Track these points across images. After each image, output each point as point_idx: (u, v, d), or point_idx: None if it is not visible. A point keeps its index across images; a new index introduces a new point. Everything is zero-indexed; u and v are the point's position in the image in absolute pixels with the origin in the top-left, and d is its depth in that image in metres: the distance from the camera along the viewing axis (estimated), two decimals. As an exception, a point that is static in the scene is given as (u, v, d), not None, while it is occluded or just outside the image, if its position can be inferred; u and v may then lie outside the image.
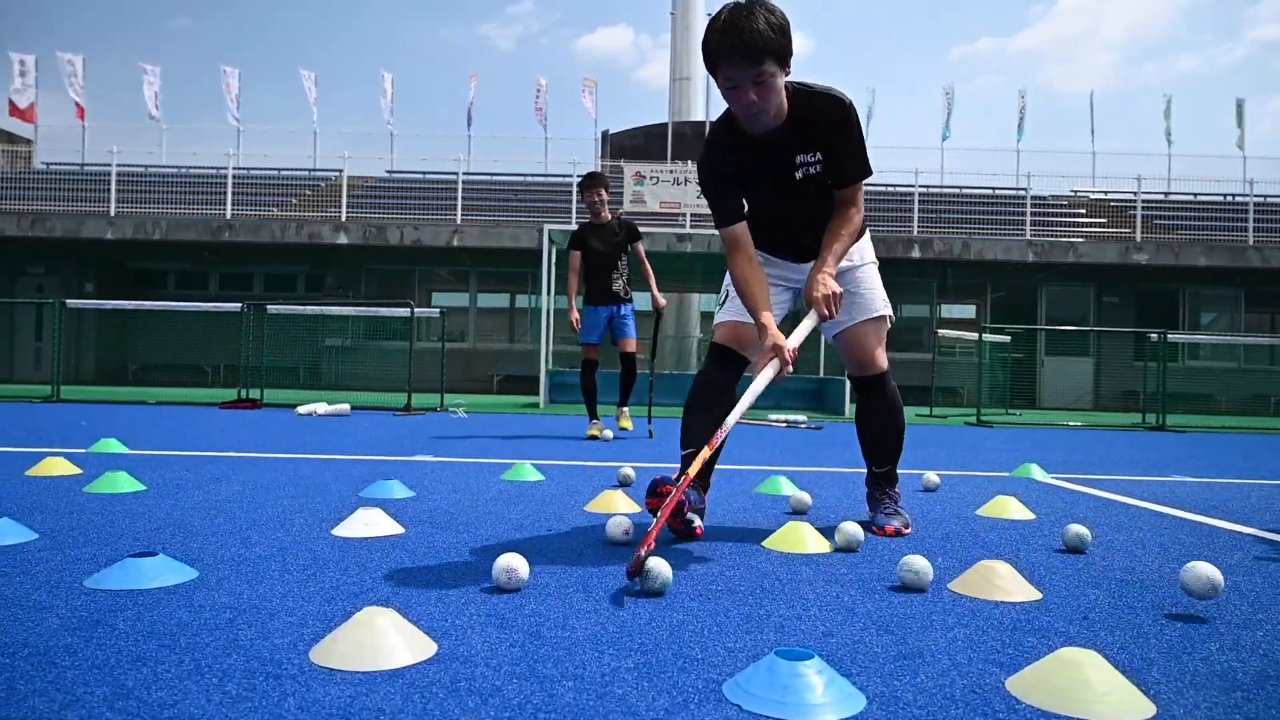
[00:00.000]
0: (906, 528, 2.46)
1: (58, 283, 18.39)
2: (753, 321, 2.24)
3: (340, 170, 20.71)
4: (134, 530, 2.25)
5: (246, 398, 9.24)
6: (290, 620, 1.46)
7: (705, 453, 2.01)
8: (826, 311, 2.18)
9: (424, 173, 21.35)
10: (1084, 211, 19.84)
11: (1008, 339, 12.88)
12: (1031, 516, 2.87)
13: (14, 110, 22.04)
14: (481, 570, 1.87)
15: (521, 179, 20.81)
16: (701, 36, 2.07)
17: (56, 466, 3.36)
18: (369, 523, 2.29)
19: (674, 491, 1.90)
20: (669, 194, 15.86)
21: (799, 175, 2.24)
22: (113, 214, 16.58)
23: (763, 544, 2.23)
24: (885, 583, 1.87)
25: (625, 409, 6.23)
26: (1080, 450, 6.34)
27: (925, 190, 19.30)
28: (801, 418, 8.68)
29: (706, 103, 23.86)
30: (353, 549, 2.07)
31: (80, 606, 1.50)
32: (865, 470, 2.63)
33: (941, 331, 12.69)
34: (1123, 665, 1.32)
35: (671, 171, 16.06)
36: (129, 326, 17.72)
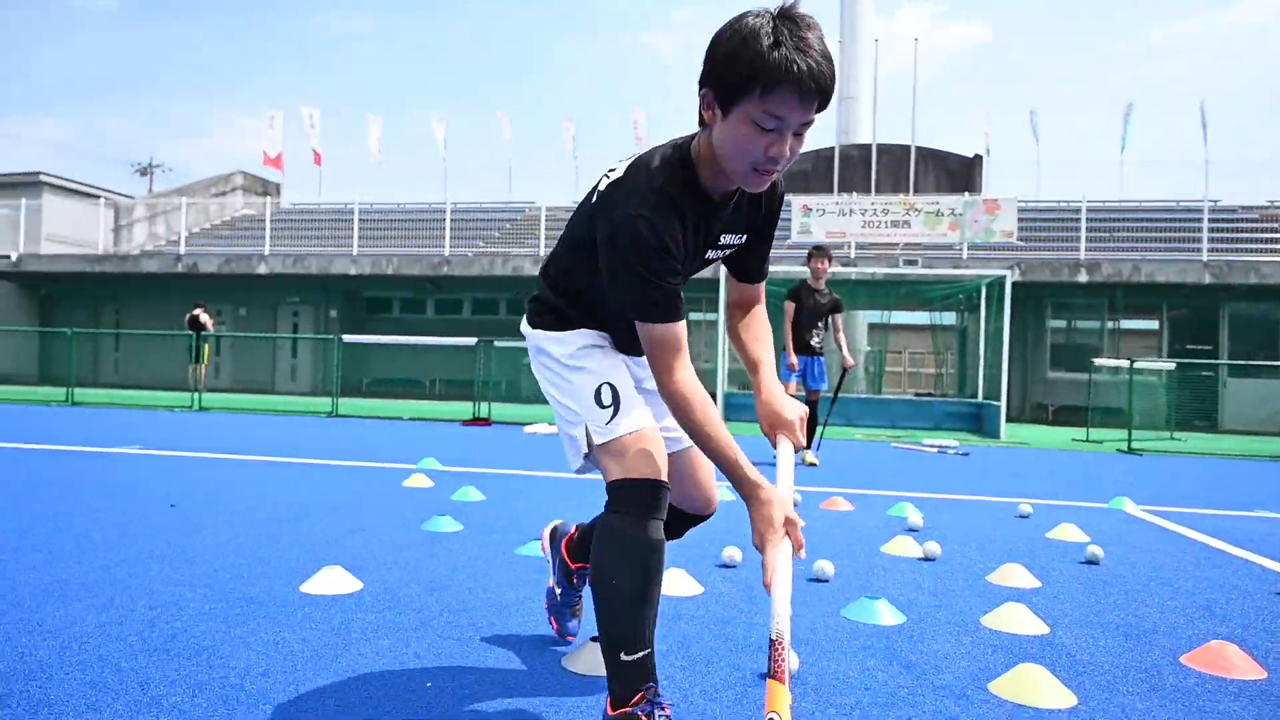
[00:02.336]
0: None
1: (309, 310, 21.83)
2: (651, 423, 1.66)
3: (532, 202, 23.18)
4: (519, 524, 3.90)
5: (480, 416, 11.35)
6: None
7: (784, 690, 1.37)
8: (800, 439, 1.74)
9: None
10: (1278, 226, 19.11)
11: (1171, 365, 13.13)
12: (1037, 584, 4.04)
13: (266, 159, 26.08)
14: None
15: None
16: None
17: (421, 480, 5.19)
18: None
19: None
20: (834, 224, 16.98)
21: (709, 256, 1.72)
22: (355, 253, 19.63)
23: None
24: None
25: (809, 450, 7.43)
26: (1205, 481, 7.11)
27: (1095, 206, 19.26)
28: (953, 443, 9.70)
29: (874, 124, 24.52)
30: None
31: (520, 567, 3.11)
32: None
33: (1098, 361, 13.12)
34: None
35: (837, 203, 17.17)
36: (366, 347, 20.80)
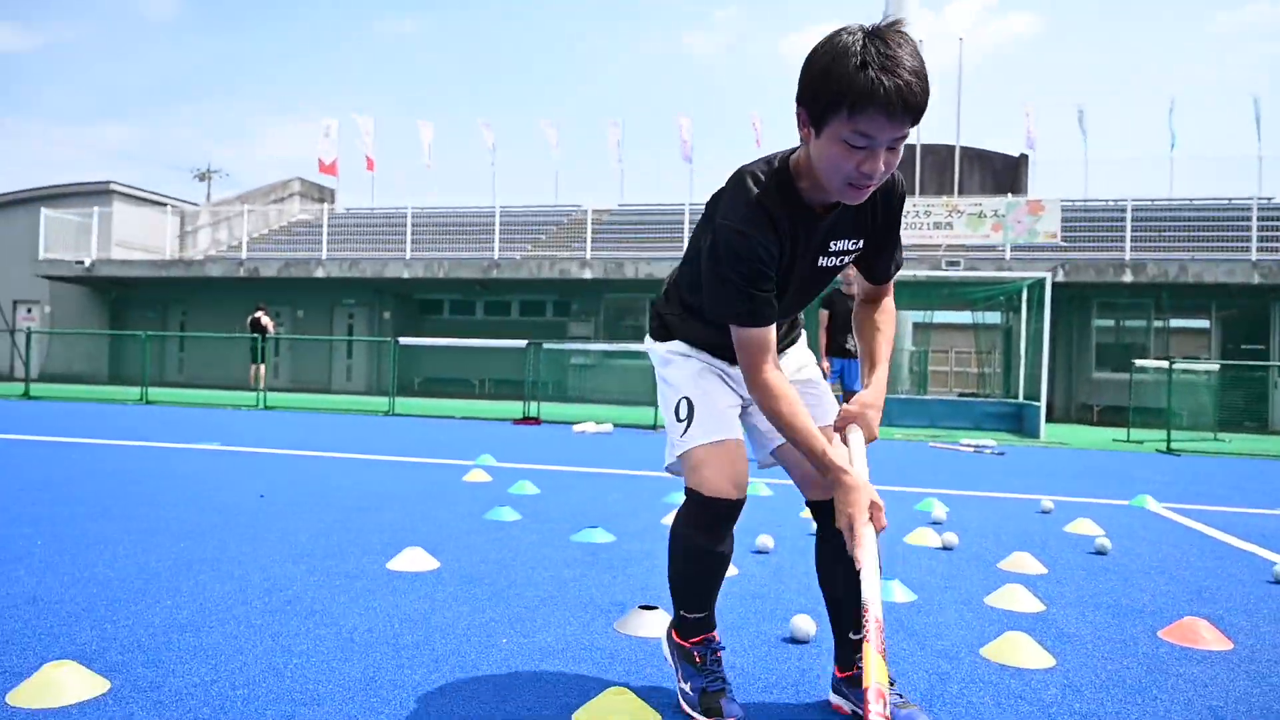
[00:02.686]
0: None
1: (363, 311, 22.59)
2: (732, 438, 1.78)
3: (578, 205, 23.67)
4: (572, 515, 4.29)
5: (530, 415, 11.82)
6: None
7: (872, 654, 1.50)
8: (877, 432, 1.79)
9: (650, 205, 23.86)
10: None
11: (1215, 366, 13.10)
12: (1043, 572, 4.31)
13: (322, 166, 26.96)
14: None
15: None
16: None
17: (479, 475, 5.62)
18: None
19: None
20: (877, 226, 17.12)
21: (822, 264, 1.75)
22: (408, 256, 20.30)
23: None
24: (961, 562, 3.52)
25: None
26: (1235, 480, 7.26)
27: (1141, 204, 19.12)
28: (990, 443, 9.90)
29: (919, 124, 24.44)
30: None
31: (575, 550, 3.50)
32: (834, 640, 1.92)
33: (1139, 362, 13.14)
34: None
35: (879, 205, 17.31)
36: (418, 347, 21.48)
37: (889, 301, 1.91)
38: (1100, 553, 3.80)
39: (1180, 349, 19.79)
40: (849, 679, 1.85)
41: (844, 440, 1.78)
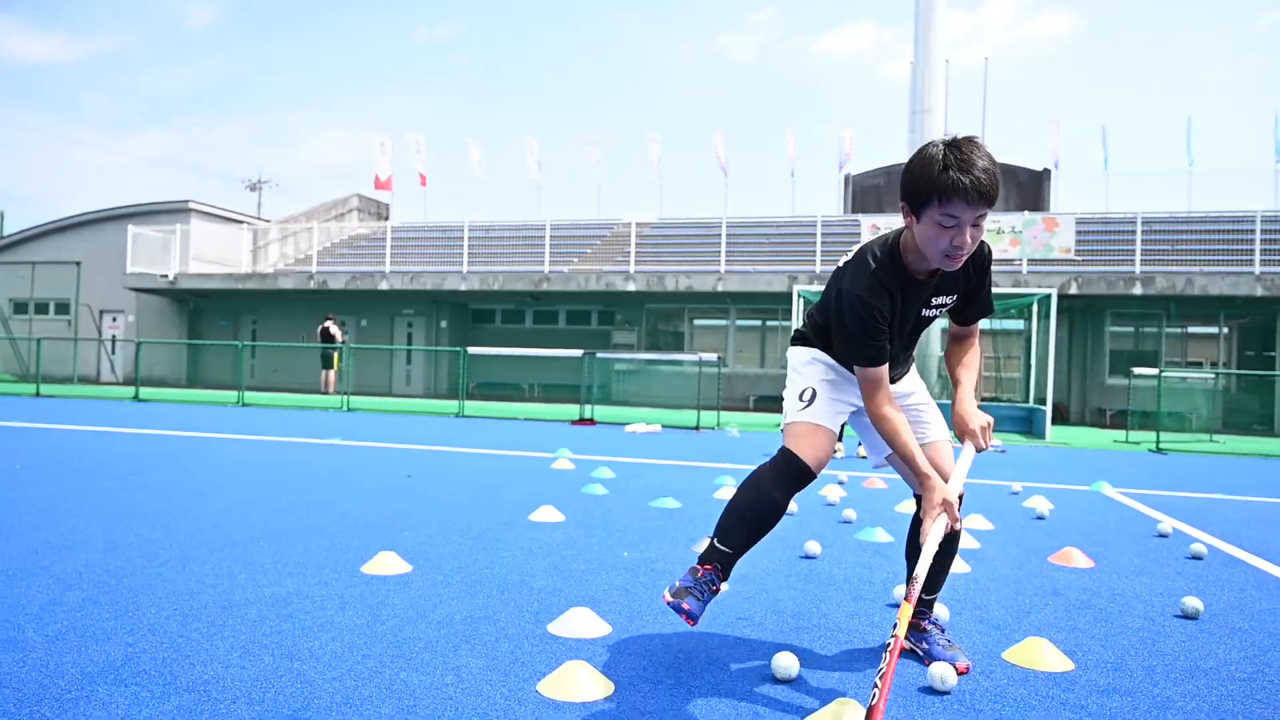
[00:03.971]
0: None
1: (421, 321, 24.29)
2: (829, 428, 2.27)
3: (619, 219, 25.17)
4: (645, 490, 5.70)
5: (585, 417, 13.30)
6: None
7: (907, 609, 1.97)
8: (984, 443, 2.26)
9: (688, 219, 25.30)
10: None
11: (1210, 375, 14.20)
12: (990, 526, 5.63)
13: (378, 183, 28.74)
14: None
15: (773, 226, 24.02)
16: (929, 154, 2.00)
17: (565, 463, 7.07)
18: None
19: (891, 659, 1.88)
20: (901, 242, 18.39)
21: (926, 314, 2.26)
22: (465, 270, 21.92)
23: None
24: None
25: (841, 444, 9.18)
26: (1199, 474, 8.48)
27: (1152, 218, 20.10)
28: (996, 442, 11.16)
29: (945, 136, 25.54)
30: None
31: (653, 513, 4.92)
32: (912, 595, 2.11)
33: (1136, 370, 14.27)
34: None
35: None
36: (474, 354, 23.12)
37: (975, 341, 2.43)
38: (1040, 518, 5.14)
39: (1195, 355, 20.78)
40: (918, 629, 2.42)
41: (963, 448, 2.31)
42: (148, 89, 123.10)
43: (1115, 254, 19.34)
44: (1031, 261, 18.01)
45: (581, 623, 2.61)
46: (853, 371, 2.27)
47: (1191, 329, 20.63)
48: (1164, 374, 12.17)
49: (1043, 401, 13.47)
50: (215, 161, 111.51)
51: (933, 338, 21.37)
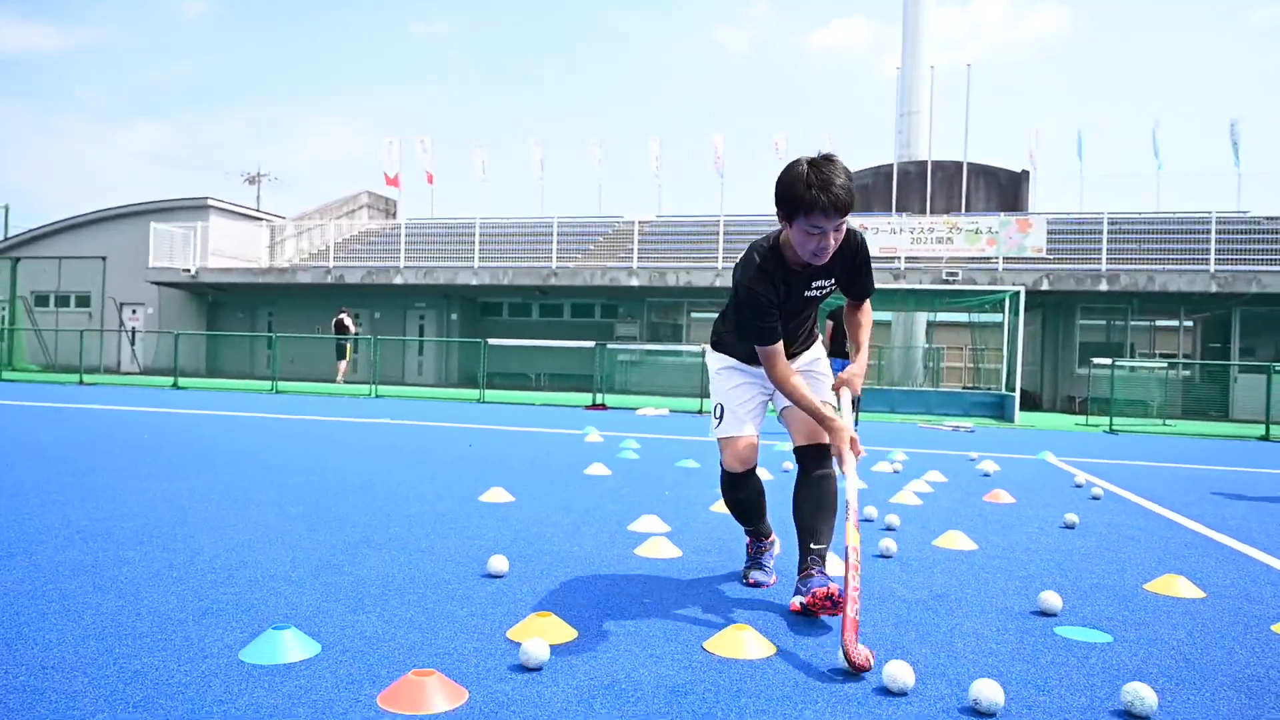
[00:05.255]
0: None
1: (433, 313, 25.52)
2: (741, 434, 2.72)
3: (620, 216, 26.43)
4: (669, 456, 6.98)
5: (598, 402, 14.59)
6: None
7: (854, 532, 2.30)
8: (859, 391, 2.72)
9: (686, 216, 26.58)
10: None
11: (1163, 365, 15.60)
12: (945, 479, 6.94)
13: (387, 180, 29.91)
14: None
15: (769, 224, 25.30)
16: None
17: (595, 437, 8.35)
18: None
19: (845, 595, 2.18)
20: (887, 241, 19.74)
21: (807, 295, 2.60)
22: (475, 266, 23.15)
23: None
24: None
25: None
26: (1134, 449, 9.84)
27: (1117, 218, 21.49)
28: (968, 425, 12.50)
29: (930, 140, 26.89)
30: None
31: (679, 471, 6.21)
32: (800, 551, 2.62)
33: (1095, 360, 15.65)
34: (934, 487, 5.63)
35: (890, 223, 19.93)
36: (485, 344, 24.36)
37: (867, 306, 2.83)
38: (986, 475, 6.46)
39: (1164, 348, 22.22)
40: (804, 577, 2.56)
41: (837, 397, 2.73)
42: (141, 81, 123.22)
43: (1084, 253, 20.73)
44: (1007, 260, 19.36)
45: (651, 524, 3.91)
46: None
47: (1159, 322, 22.07)
48: (1117, 364, 13.51)
49: (1012, 389, 14.82)
50: (211, 156, 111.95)
51: (917, 332, 22.81)
